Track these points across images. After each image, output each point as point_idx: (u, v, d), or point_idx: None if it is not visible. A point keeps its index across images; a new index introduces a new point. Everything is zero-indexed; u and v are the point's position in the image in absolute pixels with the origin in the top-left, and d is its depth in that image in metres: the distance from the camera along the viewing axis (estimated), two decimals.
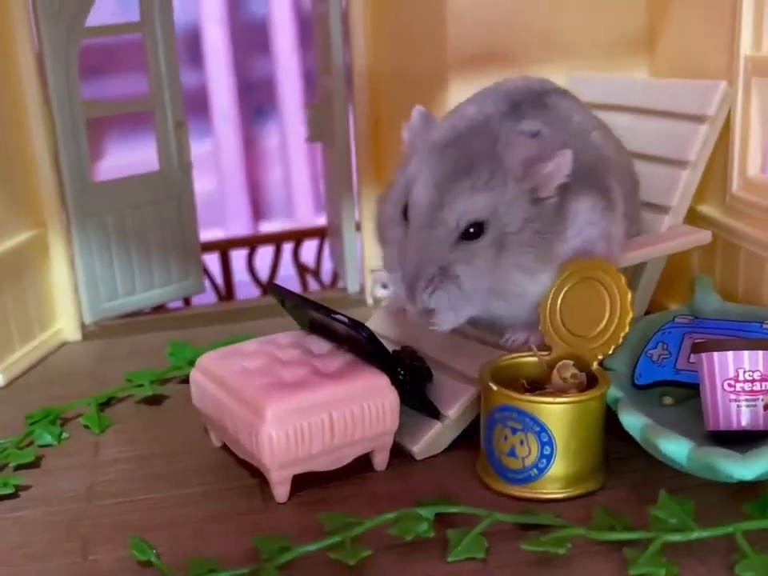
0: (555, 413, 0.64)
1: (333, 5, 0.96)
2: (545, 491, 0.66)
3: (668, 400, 0.73)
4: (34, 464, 0.75)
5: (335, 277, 1.44)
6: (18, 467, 0.74)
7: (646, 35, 0.93)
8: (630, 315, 0.67)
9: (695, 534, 0.58)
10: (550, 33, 0.91)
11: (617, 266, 0.70)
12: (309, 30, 1.90)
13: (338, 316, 0.69)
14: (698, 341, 0.69)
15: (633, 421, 0.65)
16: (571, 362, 0.68)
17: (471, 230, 0.67)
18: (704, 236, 0.80)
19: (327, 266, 1.50)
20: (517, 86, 0.76)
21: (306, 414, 0.66)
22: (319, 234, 1.51)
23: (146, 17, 0.97)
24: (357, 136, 1.00)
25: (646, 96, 0.85)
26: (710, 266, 0.86)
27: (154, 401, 0.85)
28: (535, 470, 0.65)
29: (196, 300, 1.27)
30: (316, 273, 1.51)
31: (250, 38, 2.07)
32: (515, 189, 0.67)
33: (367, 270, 0.96)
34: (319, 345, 0.74)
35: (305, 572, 0.59)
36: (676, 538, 0.58)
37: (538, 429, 0.64)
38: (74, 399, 0.84)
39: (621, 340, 0.67)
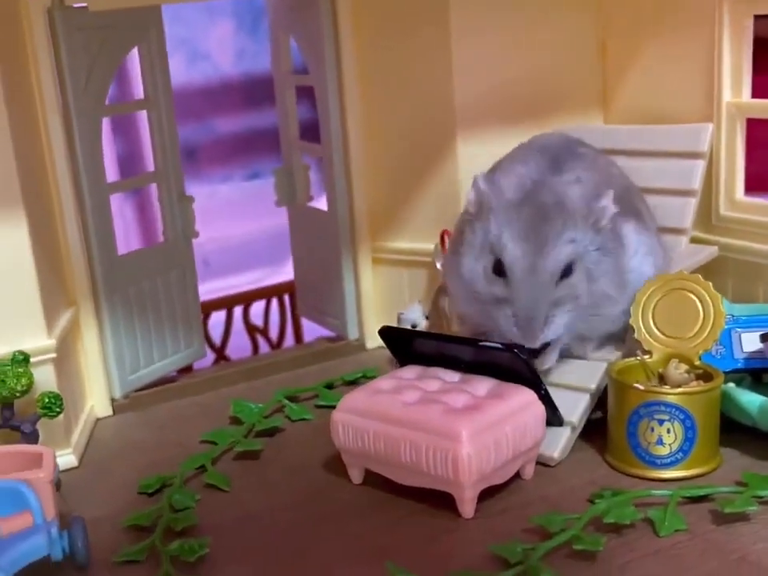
0: (697, 401, 0.76)
1: (329, 69, 1.04)
2: (689, 470, 0.77)
3: (731, 384, 0.87)
4: (195, 527, 0.75)
5: (282, 334, 1.48)
6: (180, 533, 0.74)
7: (600, 93, 1.09)
8: (725, 315, 0.80)
9: None
10: (530, 95, 1.05)
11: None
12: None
13: (487, 343, 0.78)
14: (765, 332, 0.83)
15: (751, 398, 0.78)
16: (677, 360, 0.81)
17: (565, 270, 0.79)
18: (711, 251, 0.96)
19: (274, 325, 1.53)
20: (552, 140, 0.90)
21: (490, 432, 0.73)
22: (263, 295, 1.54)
23: (151, 95, 0.99)
24: (352, 198, 1.07)
25: (635, 140, 1.00)
26: None
27: (249, 455, 0.87)
28: (681, 453, 0.77)
29: None
30: (264, 332, 1.53)
31: None
32: (584, 224, 0.80)
33: (392, 314, 1.03)
34: (447, 374, 0.81)
35: (561, 564, 0.66)
36: None
37: (683, 416, 0.76)
38: (160, 466, 0.85)
39: (718, 335, 0.81)
